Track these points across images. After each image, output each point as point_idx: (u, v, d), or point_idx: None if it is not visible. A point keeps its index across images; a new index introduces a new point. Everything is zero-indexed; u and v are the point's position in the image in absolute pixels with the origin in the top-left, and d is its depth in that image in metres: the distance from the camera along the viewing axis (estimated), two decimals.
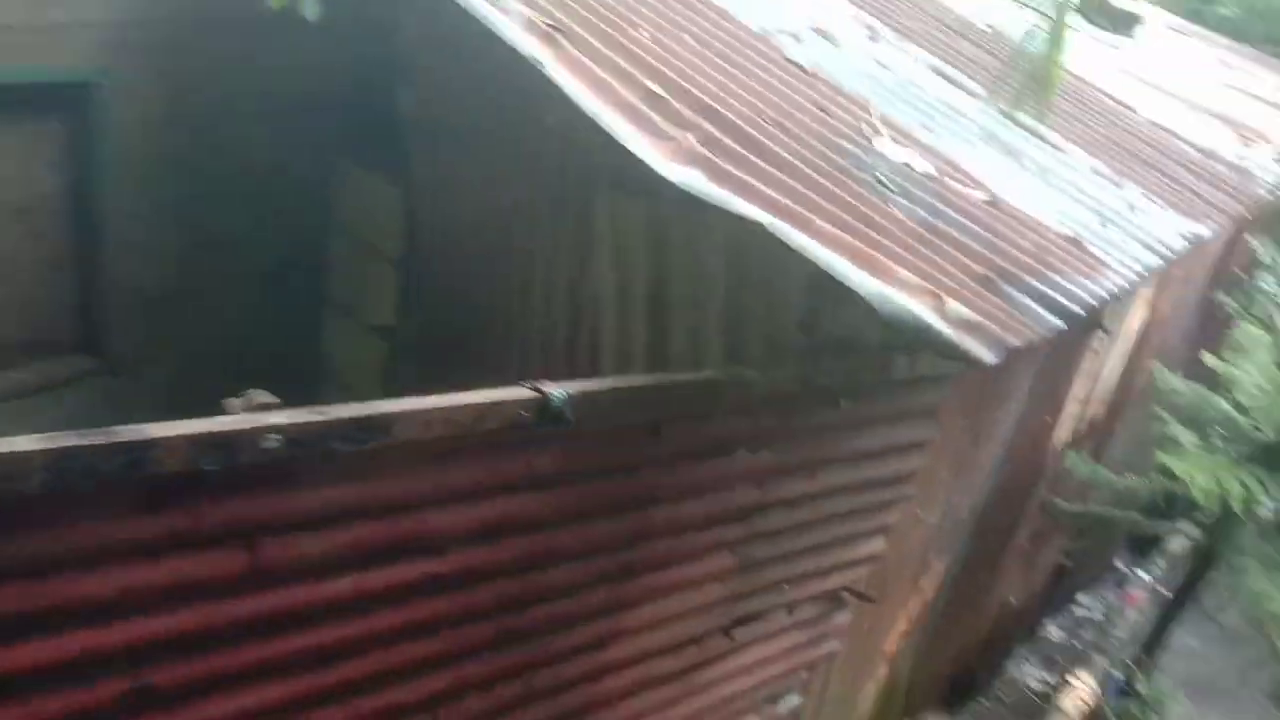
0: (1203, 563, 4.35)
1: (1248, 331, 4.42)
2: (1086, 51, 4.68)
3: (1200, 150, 4.45)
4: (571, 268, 2.89)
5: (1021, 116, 2.86)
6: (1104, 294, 2.51)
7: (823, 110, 2.86)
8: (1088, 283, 2.57)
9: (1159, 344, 5.84)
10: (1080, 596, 7.45)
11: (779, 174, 2.19)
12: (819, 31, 3.58)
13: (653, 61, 2.49)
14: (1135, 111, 4.53)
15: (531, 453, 2.06)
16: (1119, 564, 7.84)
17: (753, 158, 2.19)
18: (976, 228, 2.53)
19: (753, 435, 2.57)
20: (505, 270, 3.14)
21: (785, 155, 2.28)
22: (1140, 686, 4.58)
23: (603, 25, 2.56)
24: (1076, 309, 2.34)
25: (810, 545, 2.99)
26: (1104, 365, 5.19)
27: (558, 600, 2.33)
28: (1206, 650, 5.93)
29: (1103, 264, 2.79)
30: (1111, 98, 4.51)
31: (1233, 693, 6.15)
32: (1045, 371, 4.31)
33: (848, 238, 2.06)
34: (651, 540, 2.47)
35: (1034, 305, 2.26)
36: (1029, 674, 6.57)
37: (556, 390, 1.99)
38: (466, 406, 1.86)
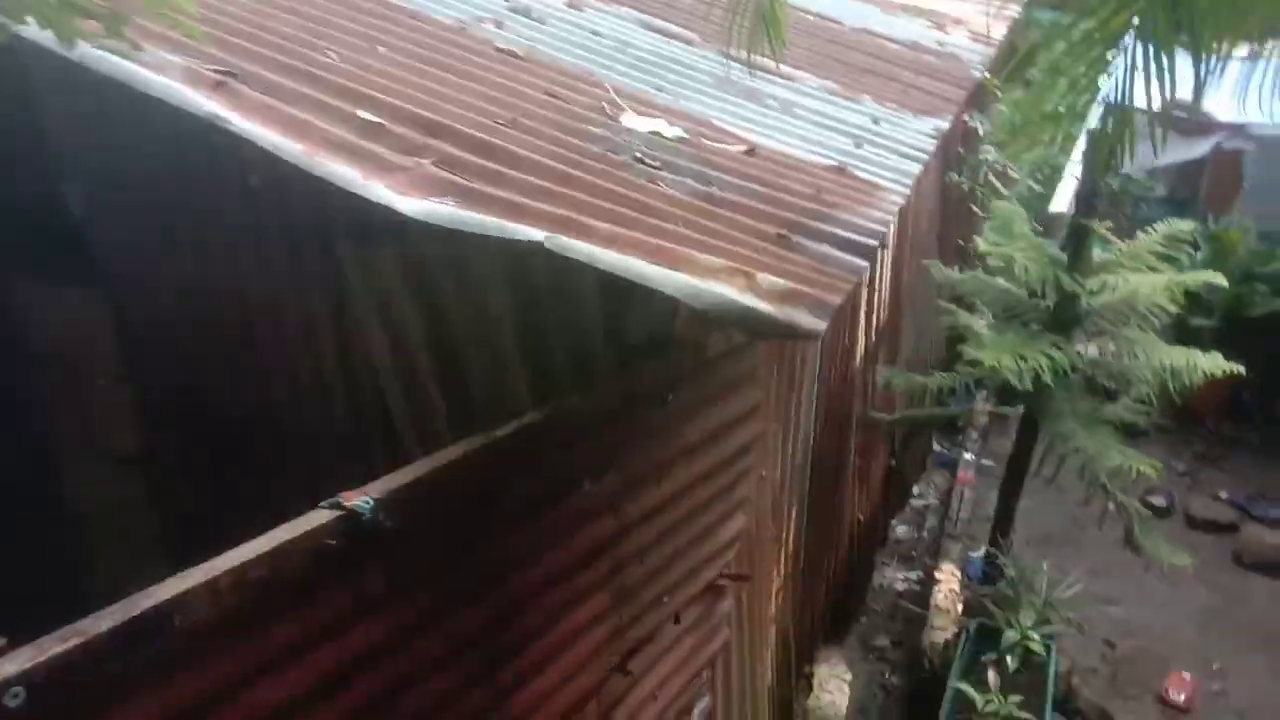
0: (1028, 433, 4.55)
1: (1001, 209, 4.62)
2: None
3: (908, 45, 4.58)
4: (333, 342, 2.53)
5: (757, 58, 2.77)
6: (887, 216, 2.44)
7: (553, 96, 2.63)
8: (869, 210, 2.49)
9: (914, 238, 6.10)
10: (914, 489, 7.79)
11: (536, 180, 1.94)
12: (518, 10, 3.35)
13: (354, 85, 2.17)
14: (842, 23, 4.59)
15: (354, 576, 1.73)
16: (936, 447, 8.26)
17: (503, 169, 1.93)
18: (750, 184, 2.38)
19: (591, 462, 2.34)
20: (257, 363, 2.73)
21: (536, 157, 2.03)
22: (1004, 563, 4.76)
23: (281, 57, 2.21)
24: (871, 241, 2.23)
25: (677, 548, 2.80)
26: (878, 273, 5.33)
27: (435, 716, 2.02)
28: (1042, 509, 6.29)
29: (874, 186, 2.73)
30: (814, 14, 4.56)
31: (1074, 540, 6.60)
32: None
33: (633, 233, 1.84)
34: (519, 612, 2.19)
35: (834, 251, 2.14)
36: (892, 578, 6.78)
37: (360, 501, 1.68)
38: (258, 559, 1.52)
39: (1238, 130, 7.62)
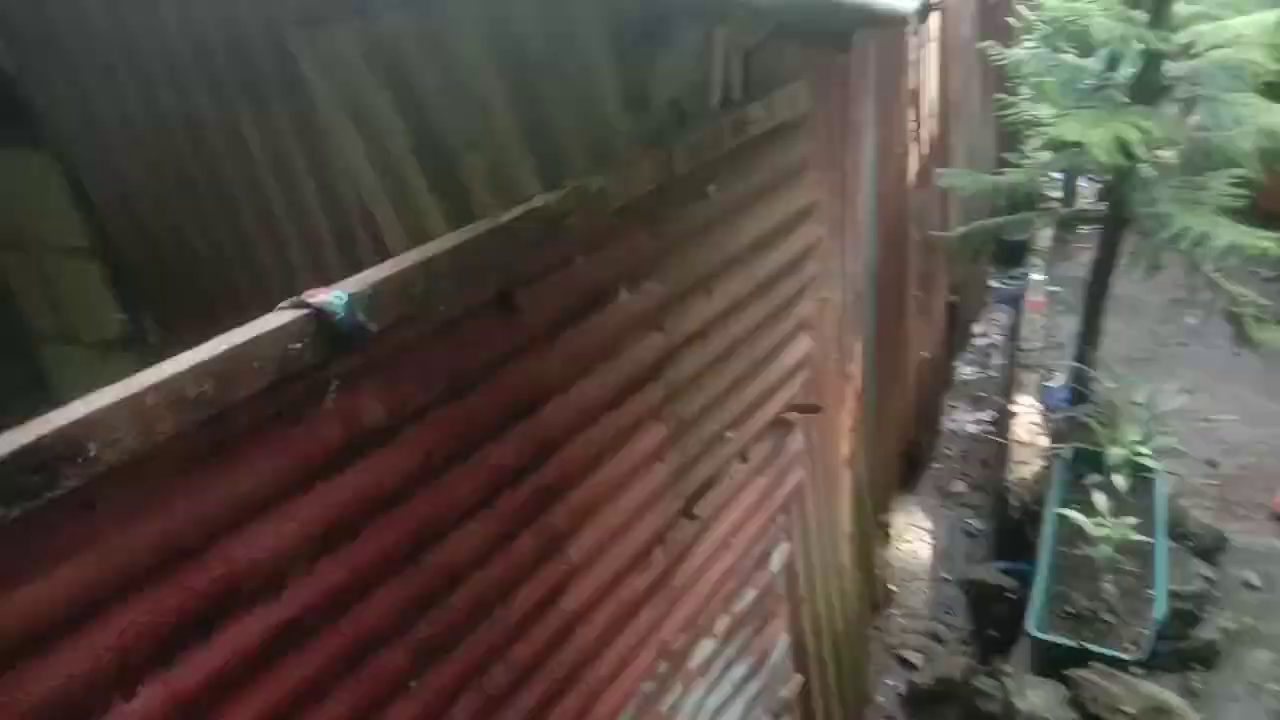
0: (1115, 226, 4.03)
1: None
2: None
3: None
4: (305, 160, 2.13)
5: None
6: None
7: None
8: None
9: (956, 39, 5.50)
10: (974, 329, 7.33)
11: None
12: None
13: None
14: None
15: (339, 401, 1.36)
16: (994, 284, 7.76)
17: None
18: None
19: (629, 267, 1.94)
20: (229, 208, 2.34)
21: None
22: (1095, 379, 4.32)
23: None
24: None
25: (738, 374, 2.42)
26: (925, 78, 4.79)
27: (475, 574, 1.68)
28: (1119, 331, 5.81)
29: None
30: None
31: (1159, 359, 6.14)
32: (882, 98, 3.83)
33: None
34: (559, 447, 1.83)
35: None
36: (963, 420, 6.40)
37: (331, 295, 1.29)
38: (197, 370, 1.14)
39: None
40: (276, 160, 2.18)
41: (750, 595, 2.77)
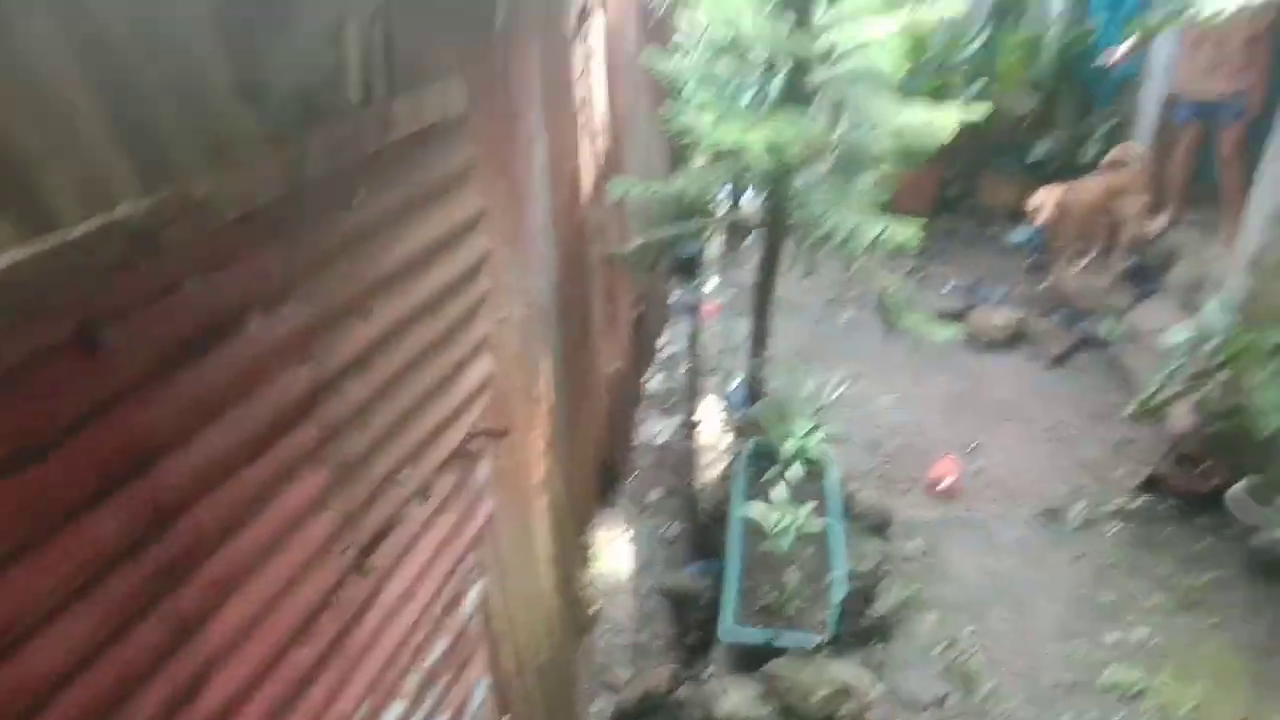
0: (776, 226, 4.20)
1: None
2: None
3: None
4: None
5: None
6: None
7: None
8: None
9: (621, 51, 5.57)
10: (659, 340, 7.51)
11: None
12: None
13: None
14: None
15: None
16: (675, 295, 8.01)
17: None
18: None
19: (258, 290, 1.64)
20: None
21: None
22: (765, 378, 4.49)
23: None
24: None
25: (410, 405, 2.17)
26: (593, 90, 4.77)
27: (73, 685, 1.32)
28: (785, 330, 6.15)
29: None
30: None
31: (821, 353, 6.57)
32: (550, 108, 3.73)
33: None
34: (181, 512, 1.49)
35: None
36: (654, 431, 6.49)
37: None
38: None
39: None
40: None
41: (442, 644, 2.52)
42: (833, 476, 4.31)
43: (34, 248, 1.23)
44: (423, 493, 2.33)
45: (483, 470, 2.70)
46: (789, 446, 4.08)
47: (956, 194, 8.37)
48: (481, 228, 2.51)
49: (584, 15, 3.51)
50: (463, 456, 2.54)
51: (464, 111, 2.29)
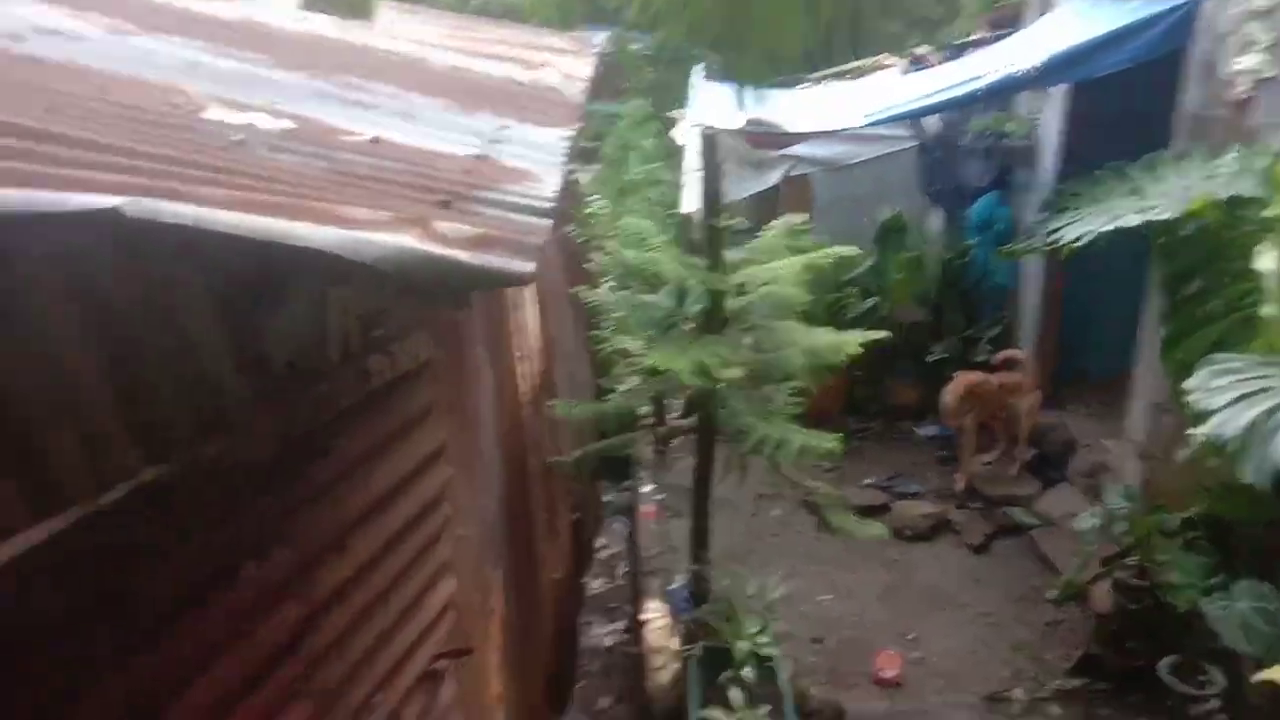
0: (706, 440, 4.49)
1: (630, 223, 4.59)
2: (346, 26, 4.44)
3: (506, 80, 4.47)
4: None
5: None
6: (552, 189, 2.17)
7: (109, 98, 2.09)
8: (530, 185, 2.21)
9: (548, 285, 6.00)
10: (597, 543, 7.62)
11: (109, 157, 1.44)
12: (46, 30, 2.73)
13: None
14: (431, 62, 4.38)
15: None
16: (609, 497, 8.19)
17: (97, 156, 1.41)
18: (390, 163, 2.01)
19: (254, 538, 1.81)
20: None
21: (98, 138, 1.52)
22: (710, 579, 4.64)
23: None
24: (546, 204, 1.95)
25: (383, 630, 2.30)
26: (526, 317, 5.13)
27: None
28: (719, 530, 6.36)
29: (524, 171, 2.46)
30: (399, 55, 4.32)
31: (756, 551, 6.77)
32: (491, 341, 4.04)
33: (255, 196, 1.40)
34: None
35: (510, 214, 1.82)
36: (600, 635, 6.51)
37: None
38: None
39: (800, 158, 8.46)
40: None
41: None
42: (784, 675, 4.41)
43: (67, 520, 1.41)
44: (395, 716, 2.41)
45: (448, 691, 2.78)
46: (741, 648, 4.20)
47: (865, 395, 8.88)
48: (443, 458, 2.72)
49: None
50: (430, 679, 2.64)
51: (429, 358, 2.54)
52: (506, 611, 4.00)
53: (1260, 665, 3.97)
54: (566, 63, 5.84)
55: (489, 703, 3.52)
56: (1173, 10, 5.54)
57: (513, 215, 1.81)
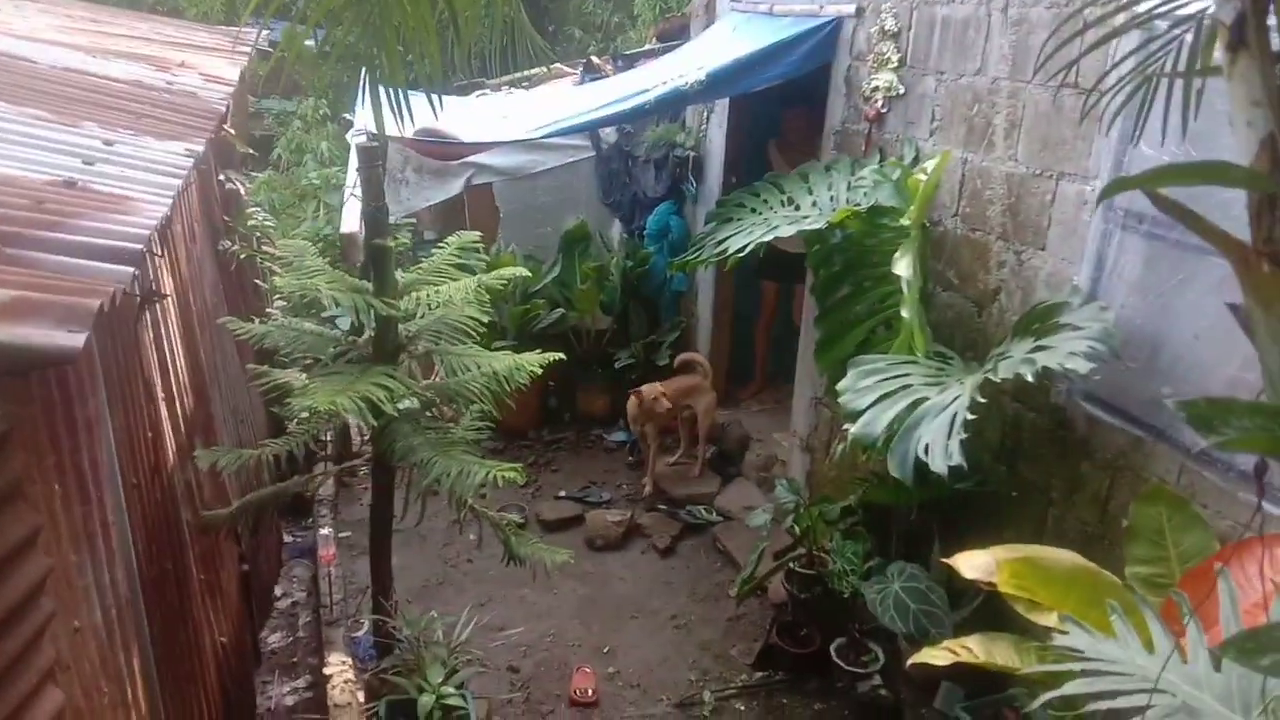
0: (384, 477, 4.18)
1: (290, 245, 4.19)
2: None
3: (131, 83, 3.92)
4: None
5: None
6: (151, 221, 1.85)
7: None
8: (122, 218, 1.86)
9: (200, 309, 5.39)
10: (275, 591, 6.99)
11: None
12: None
13: None
14: (37, 62, 3.74)
15: None
16: (287, 538, 7.55)
17: None
18: None
19: None
20: None
21: None
22: (394, 626, 4.34)
23: None
24: (133, 245, 1.63)
25: None
26: (170, 352, 4.53)
27: None
28: (411, 564, 6.04)
29: (123, 198, 2.10)
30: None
31: (451, 581, 6.49)
32: (119, 384, 3.49)
33: None
34: None
35: (79, 260, 1.49)
36: (279, 694, 5.95)
37: None
38: None
39: (481, 166, 8.29)
40: None
41: None
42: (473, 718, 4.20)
43: None
44: None
45: None
46: (425, 703, 3.94)
47: (557, 406, 8.89)
48: (39, 544, 2.25)
49: (147, 298, 3.38)
50: None
51: (6, 429, 2.08)
52: (151, 699, 3.48)
53: (913, 639, 4.33)
54: (211, 63, 5.28)
55: None
56: (818, 30, 5.96)
57: (83, 262, 1.48)
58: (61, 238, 1.57)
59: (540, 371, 4.10)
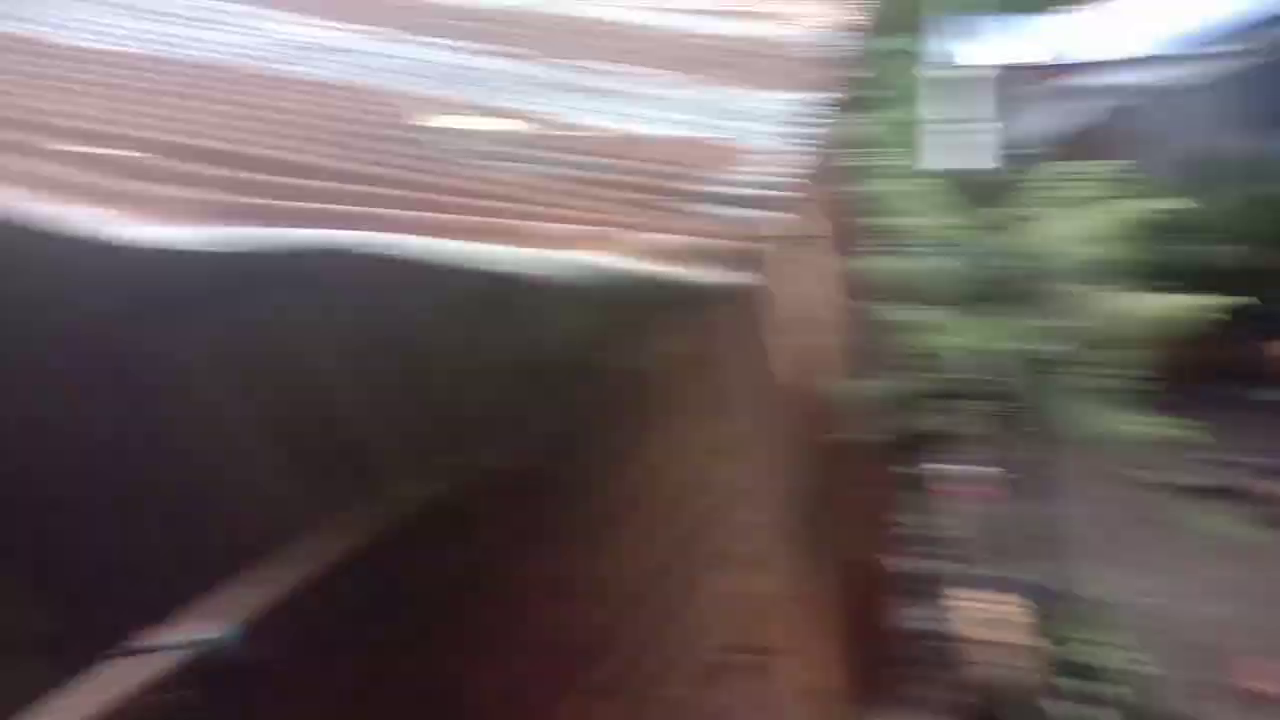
0: (1031, 425, 4.05)
1: (908, 189, 4.22)
2: None
3: (735, 38, 4.20)
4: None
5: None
6: (797, 172, 2.06)
7: (331, 115, 2.24)
8: (762, 170, 2.10)
9: (821, 258, 5.70)
10: (919, 520, 7.24)
11: (356, 187, 1.56)
12: (318, 47, 2.95)
13: (118, 130, 1.81)
14: (647, 26, 4.18)
15: None
16: (930, 467, 7.72)
17: (307, 182, 1.54)
18: (602, 161, 2.01)
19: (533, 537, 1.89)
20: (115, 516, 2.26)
21: (347, 166, 1.65)
22: (1061, 582, 4.19)
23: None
24: (791, 194, 1.86)
25: (685, 629, 2.29)
26: (814, 288, 4.93)
27: None
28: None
29: (758, 150, 2.34)
30: (610, 22, 4.17)
31: (1111, 540, 6.08)
32: (781, 318, 3.93)
33: (456, 217, 1.44)
34: None
35: (730, 210, 1.76)
36: (924, 618, 6.18)
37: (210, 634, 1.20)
38: None
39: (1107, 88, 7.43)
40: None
41: None
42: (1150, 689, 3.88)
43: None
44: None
45: (776, 683, 2.71)
46: (1100, 657, 3.72)
47: (1234, 356, 7.63)
48: (737, 448, 2.66)
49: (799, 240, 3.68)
50: (724, 671, 2.59)
51: (704, 351, 2.43)
52: (813, 598, 3.90)
53: None
54: (812, 9, 5.45)
55: (800, 692, 3.45)
56: None
57: (737, 211, 1.74)
58: (713, 190, 1.84)
59: (1209, 317, 3.58)
